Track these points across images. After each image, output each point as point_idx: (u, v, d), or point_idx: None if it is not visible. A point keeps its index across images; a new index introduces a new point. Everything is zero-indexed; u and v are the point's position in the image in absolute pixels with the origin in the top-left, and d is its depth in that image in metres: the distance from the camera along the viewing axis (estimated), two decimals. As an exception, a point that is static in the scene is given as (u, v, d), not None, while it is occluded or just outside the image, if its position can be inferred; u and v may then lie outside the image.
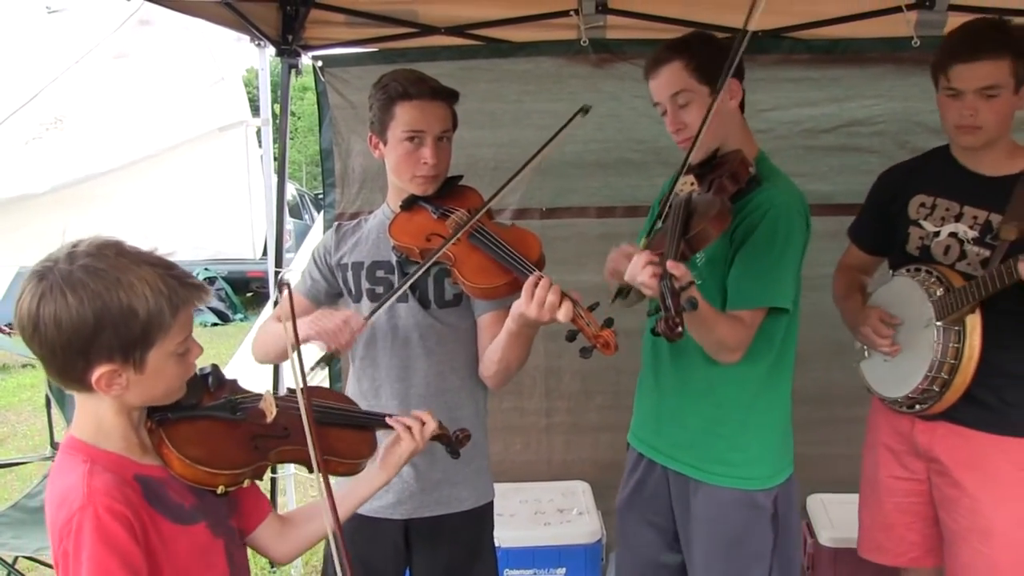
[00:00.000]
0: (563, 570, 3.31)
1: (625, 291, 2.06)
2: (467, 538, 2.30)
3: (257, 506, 1.71)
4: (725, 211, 1.92)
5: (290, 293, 1.65)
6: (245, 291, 11.51)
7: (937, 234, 2.38)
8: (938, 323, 2.27)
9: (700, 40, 2.22)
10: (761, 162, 2.21)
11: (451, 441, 1.97)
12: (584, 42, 3.50)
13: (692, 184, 2.13)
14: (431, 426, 1.84)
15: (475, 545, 2.32)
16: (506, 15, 3.53)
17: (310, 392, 1.79)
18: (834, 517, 3.30)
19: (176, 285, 1.41)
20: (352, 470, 1.76)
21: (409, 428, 1.81)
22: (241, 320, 10.96)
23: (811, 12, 3.43)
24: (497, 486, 2.39)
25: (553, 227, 3.60)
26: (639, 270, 1.79)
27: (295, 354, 1.59)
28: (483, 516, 2.33)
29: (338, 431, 1.77)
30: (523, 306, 1.89)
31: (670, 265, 1.73)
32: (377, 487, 1.81)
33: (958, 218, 2.35)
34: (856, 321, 2.52)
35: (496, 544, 2.42)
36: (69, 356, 1.36)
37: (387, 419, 1.85)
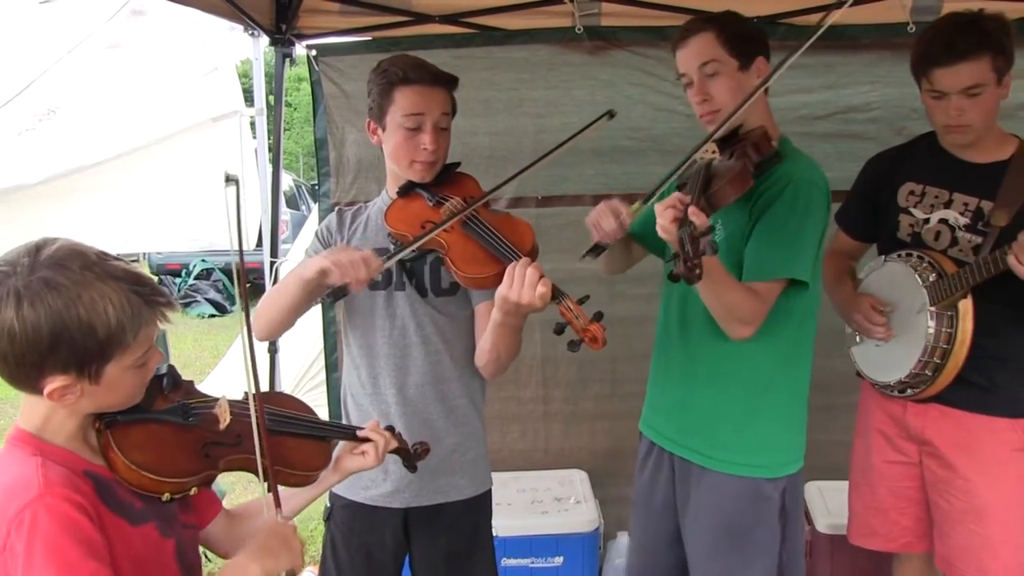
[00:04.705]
0: (561, 559, 3.32)
1: (597, 249, 2.08)
2: (466, 526, 2.30)
3: (209, 504, 1.68)
4: (746, 173, 1.91)
5: (242, 282, 1.56)
6: (242, 282, 11.46)
7: (927, 221, 2.40)
8: (932, 308, 2.28)
9: (732, 15, 2.18)
10: (783, 143, 2.19)
11: (409, 454, 1.95)
12: (579, 29, 3.50)
13: (713, 152, 2.08)
14: (391, 442, 1.85)
15: (474, 533, 2.32)
16: (500, 3, 3.51)
17: (271, 398, 1.78)
18: (831, 504, 3.31)
19: (140, 303, 1.36)
20: (303, 482, 1.70)
21: (373, 441, 1.81)
22: (238, 311, 10.93)
23: (806, -1, 3.42)
24: (494, 475, 2.39)
25: (548, 215, 3.59)
26: (661, 211, 1.78)
27: (249, 357, 1.54)
28: (482, 504, 2.34)
29: (294, 441, 1.70)
30: (505, 289, 1.88)
31: (691, 212, 1.72)
32: (324, 489, 1.80)
33: (948, 205, 2.37)
34: (848, 308, 2.53)
35: (493, 533, 2.42)
36: (22, 367, 1.32)
37: (359, 431, 1.83)
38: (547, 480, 3.67)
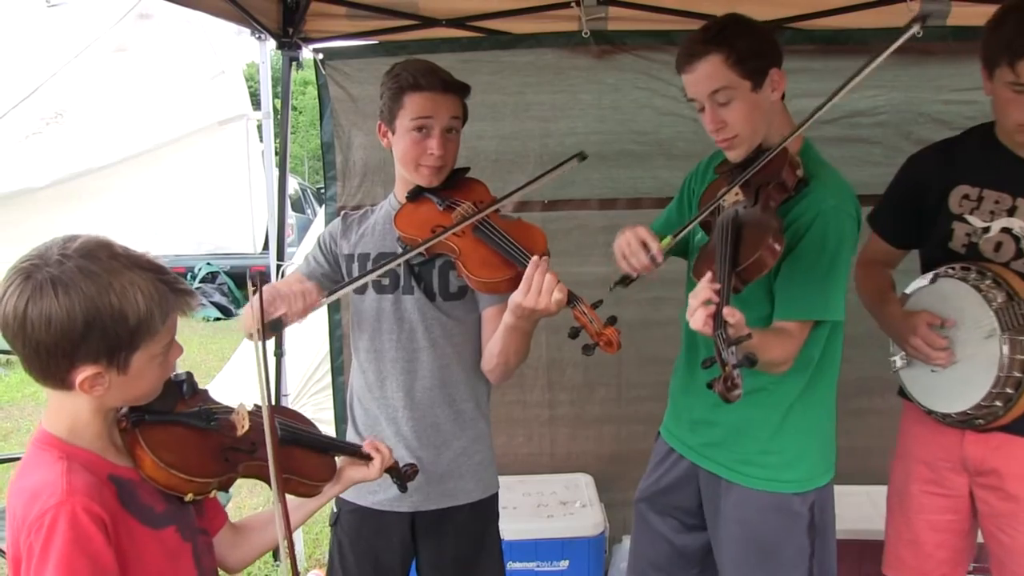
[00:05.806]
0: (566, 563, 3.31)
1: (626, 280, 1.97)
2: (473, 530, 2.30)
3: (217, 513, 1.70)
4: (778, 235, 1.82)
5: (260, 295, 1.60)
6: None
7: (987, 230, 2.15)
8: (1004, 335, 2.04)
9: (739, 28, 2.01)
10: (806, 154, 2.07)
11: (400, 474, 1.97)
12: (585, 34, 3.50)
13: (737, 194, 1.97)
14: (389, 458, 1.87)
15: (481, 536, 2.32)
16: (507, 7, 3.52)
17: (282, 413, 1.82)
18: (839, 509, 3.28)
19: (167, 291, 1.40)
20: (310, 492, 1.75)
21: (378, 455, 1.84)
22: (243, 314, 10.92)
23: (813, 3, 3.41)
24: (500, 479, 2.39)
25: (555, 219, 3.59)
26: (695, 308, 1.67)
27: (263, 367, 1.56)
28: (489, 508, 2.33)
29: (303, 452, 1.76)
30: (520, 295, 1.88)
31: (726, 312, 1.62)
32: (326, 500, 1.82)
33: (1011, 212, 2.12)
34: (902, 331, 2.24)
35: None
36: (54, 356, 1.34)
37: (362, 448, 1.86)
38: (552, 484, 3.67)
